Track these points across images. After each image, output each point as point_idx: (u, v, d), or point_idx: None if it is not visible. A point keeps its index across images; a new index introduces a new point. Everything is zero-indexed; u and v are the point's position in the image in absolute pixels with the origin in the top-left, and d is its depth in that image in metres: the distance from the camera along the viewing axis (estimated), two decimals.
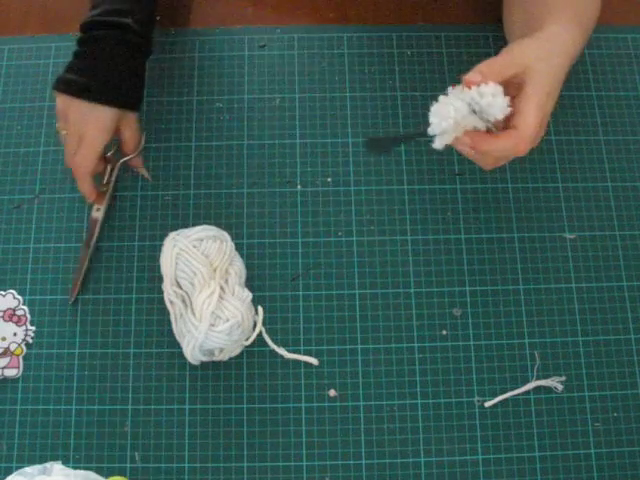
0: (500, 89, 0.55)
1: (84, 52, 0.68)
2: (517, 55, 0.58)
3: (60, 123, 0.69)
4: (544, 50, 0.58)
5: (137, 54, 0.70)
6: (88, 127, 0.67)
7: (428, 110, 0.77)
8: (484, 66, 0.56)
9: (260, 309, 0.69)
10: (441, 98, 0.56)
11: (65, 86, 0.67)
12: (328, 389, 0.68)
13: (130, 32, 0.68)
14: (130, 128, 0.71)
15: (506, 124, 0.57)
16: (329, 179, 0.74)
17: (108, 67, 0.67)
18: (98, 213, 0.72)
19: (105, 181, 0.73)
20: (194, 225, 0.69)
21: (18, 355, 0.69)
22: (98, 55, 0.67)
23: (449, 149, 0.75)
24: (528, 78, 0.56)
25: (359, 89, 0.78)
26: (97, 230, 0.71)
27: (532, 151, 0.75)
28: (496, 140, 0.56)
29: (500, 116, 0.55)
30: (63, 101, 0.68)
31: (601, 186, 0.75)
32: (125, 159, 0.73)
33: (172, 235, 0.67)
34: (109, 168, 0.73)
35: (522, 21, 0.69)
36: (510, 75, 0.56)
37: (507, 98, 0.55)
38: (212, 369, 0.68)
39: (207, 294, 0.64)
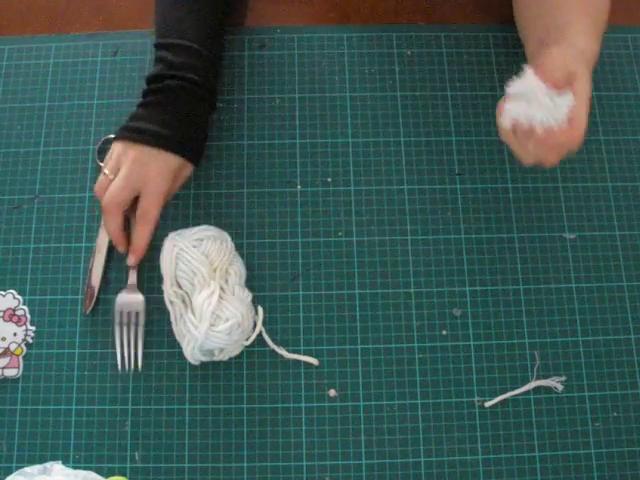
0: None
1: (155, 101, 0.68)
2: (560, 60, 0.60)
3: (109, 167, 0.67)
4: (580, 57, 0.61)
5: (205, 109, 0.70)
6: (151, 173, 0.66)
7: (429, 110, 0.77)
8: (536, 68, 0.60)
9: (260, 309, 0.69)
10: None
11: (135, 134, 0.66)
12: (328, 389, 0.68)
13: (199, 86, 0.68)
14: (182, 181, 0.70)
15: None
16: (329, 179, 0.74)
17: (184, 117, 0.68)
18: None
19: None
20: (194, 225, 0.69)
21: (18, 355, 0.69)
22: (171, 105, 0.68)
23: (449, 148, 0.76)
24: (576, 81, 0.59)
25: (359, 89, 0.78)
26: (106, 247, 0.71)
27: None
28: (557, 134, 0.58)
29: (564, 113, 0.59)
30: (124, 148, 0.67)
31: (601, 186, 0.75)
32: None
33: (172, 235, 0.67)
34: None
35: (539, 24, 0.70)
36: (555, 78, 0.59)
37: (569, 98, 0.59)
38: (212, 369, 0.68)
39: (207, 294, 0.65)
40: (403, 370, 0.68)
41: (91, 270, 0.70)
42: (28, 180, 0.75)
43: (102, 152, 0.75)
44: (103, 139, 0.75)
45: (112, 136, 0.75)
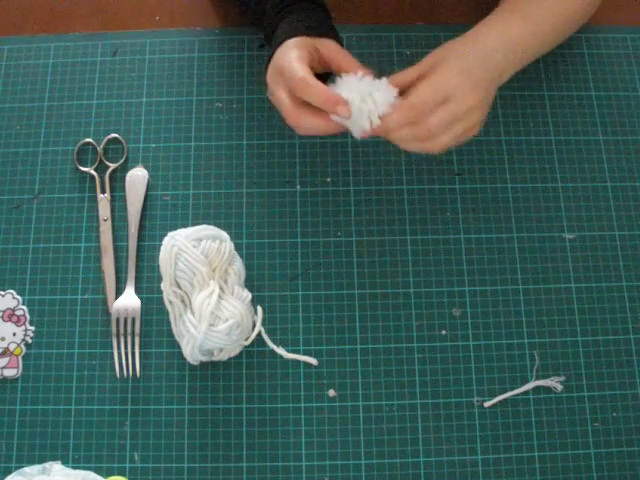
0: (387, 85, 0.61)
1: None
2: (431, 54, 0.63)
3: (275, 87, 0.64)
4: (455, 44, 0.64)
5: None
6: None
7: None
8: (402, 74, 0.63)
9: (259, 309, 0.69)
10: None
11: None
12: (327, 389, 0.68)
13: None
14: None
15: None
16: (328, 179, 0.74)
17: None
18: (107, 223, 0.72)
19: (100, 193, 0.73)
20: (194, 225, 0.69)
21: (17, 355, 0.69)
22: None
23: (448, 149, 0.76)
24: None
25: None
26: (112, 245, 0.71)
27: (531, 151, 0.76)
28: (390, 114, 0.60)
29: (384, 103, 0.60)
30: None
31: (600, 186, 0.75)
32: (112, 168, 0.74)
33: (171, 235, 0.67)
34: (99, 180, 0.73)
35: None
36: (420, 70, 0.62)
37: (395, 90, 0.60)
38: (211, 369, 0.68)
39: (206, 294, 0.64)
40: (402, 370, 0.68)
41: (104, 272, 0.70)
42: (27, 180, 0.75)
43: (80, 153, 0.75)
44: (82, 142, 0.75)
45: (89, 140, 0.75)
